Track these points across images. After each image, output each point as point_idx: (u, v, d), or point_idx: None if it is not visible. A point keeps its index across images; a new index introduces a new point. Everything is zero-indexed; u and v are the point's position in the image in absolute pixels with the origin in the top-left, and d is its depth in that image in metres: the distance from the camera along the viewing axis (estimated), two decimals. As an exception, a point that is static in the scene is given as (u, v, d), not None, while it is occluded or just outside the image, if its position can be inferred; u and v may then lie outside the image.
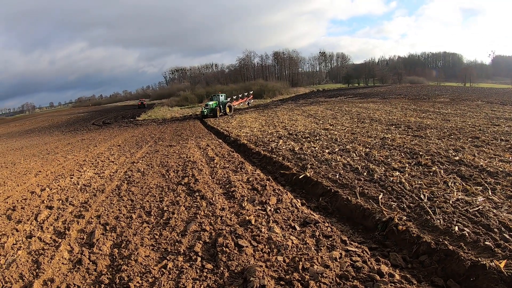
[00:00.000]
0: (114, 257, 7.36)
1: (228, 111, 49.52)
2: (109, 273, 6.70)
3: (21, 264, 7.33)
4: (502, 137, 15.62)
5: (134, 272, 6.52)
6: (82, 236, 8.65)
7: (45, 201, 11.95)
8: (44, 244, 8.29)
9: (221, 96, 52.05)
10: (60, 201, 11.84)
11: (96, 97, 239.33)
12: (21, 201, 12.25)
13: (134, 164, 17.36)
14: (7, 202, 12.22)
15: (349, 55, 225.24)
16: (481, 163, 11.35)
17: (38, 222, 9.91)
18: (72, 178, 15.35)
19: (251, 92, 72.83)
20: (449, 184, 9.66)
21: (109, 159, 19.75)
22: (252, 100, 69.21)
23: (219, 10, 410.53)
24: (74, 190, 13.10)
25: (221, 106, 48.61)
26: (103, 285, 6.26)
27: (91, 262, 7.19)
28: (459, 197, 8.60)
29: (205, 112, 46.67)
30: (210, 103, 47.79)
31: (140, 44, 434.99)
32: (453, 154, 12.95)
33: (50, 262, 7.24)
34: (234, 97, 64.55)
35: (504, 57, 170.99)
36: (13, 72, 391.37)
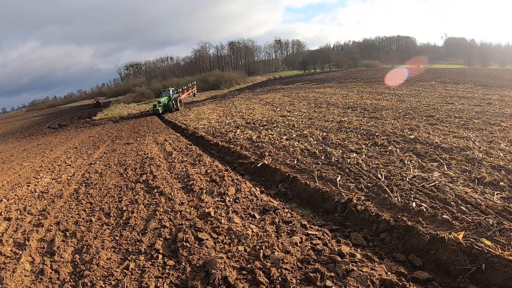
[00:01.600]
0: (76, 263, 7.16)
1: (179, 105, 48.41)
2: (72, 281, 6.53)
3: (-18, 280, 7.10)
4: (456, 115, 16.03)
5: (97, 276, 6.38)
6: (42, 245, 8.38)
7: (3, 213, 11.56)
8: (4, 258, 8.01)
9: (171, 90, 50.74)
10: (18, 211, 11.46)
11: (50, 99, 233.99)
12: (-24, 215, 11.87)
13: (92, 165, 17.02)
14: (-38, 218, 11.83)
15: (305, 42, 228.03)
16: (436, 140, 11.62)
17: (-3, 236, 9.62)
18: (29, 186, 14.93)
19: (194, 83, 71.51)
20: (405, 162, 9.83)
21: (66, 163, 19.30)
22: (196, 91, 68.04)
23: (174, 2, 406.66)
24: (32, 198, 12.72)
25: (173, 101, 47.48)
26: (67, 293, 6.11)
27: (53, 271, 6.99)
28: (416, 174, 8.75)
29: (160, 110, 45.27)
30: (162, 99, 46.36)
31: (95, 40, 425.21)
32: (409, 133, 13.20)
33: (13, 275, 7.00)
34: (180, 90, 63.35)
35: (456, 39, 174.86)
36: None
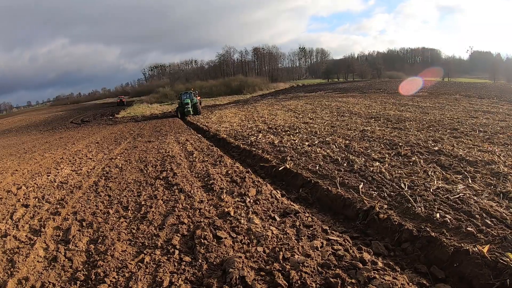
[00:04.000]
0: (90, 253, 7.15)
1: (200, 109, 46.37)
2: (84, 270, 6.50)
3: (-5, 263, 7.13)
4: (480, 129, 15.79)
5: (110, 267, 6.35)
6: (58, 233, 8.43)
7: (21, 200, 11.69)
8: (19, 243, 8.05)
9: (192, 93, 49.40)
10: (36, 199, 11.57)
11: (75, 95, 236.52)
12: (-4, 200, 11.98)
13: (112, 160, 17.13)
14: (-19, 202, 11.95)
15: (329, 50, 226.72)
16: (460, 153, 11.43)
17: (13, 221, 9.65)
18: (49, 175, 15.07)
19: (197, 92, 69.48)
20: (429, 173, 9.67)
21: (87, 156, 19.47)
22: (199, 97, 65.57)
23: (201, 7, 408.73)
24: (51, 188, 12.84)
25: (196, 104, 46.03)
26: (78, 282, 6.07)
27: (66, 259, 6.98)
28: (440, 185, 8.60)
29: (191, 111, 43.82)
30: (188, 100, 45.13)
31: (122, 41, 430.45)
32: (432, 144, 13.01)
33: (25, 260, 7.02)
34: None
35: (482, 53, 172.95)
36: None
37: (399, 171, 10.05)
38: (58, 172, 15.42)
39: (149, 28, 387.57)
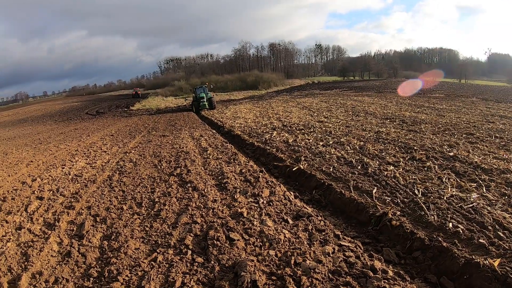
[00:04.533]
0: (104, 249, 7.24)
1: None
2: (98, 266, 6.58)
3: (9, 256, 7.20)
4: (497, 135, 15.61)
5: (124, 265, 6.42)
6: (72, 228, 8.53)
7: (35, 192, 11.82)
8: (33, 236, 8.16)
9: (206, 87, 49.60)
10: (51, 192, 11.70)
11: (90, 86, 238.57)
12: (11, 191, 12.09)
13: (127, 154, 17.24)
14: (-3, 193, 12.10)
15: (346, 48, 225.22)
16: (476, 160, 11.31)
17: (28, 213, 9.77)
18: (63, 168, 15.21)
19: (212, 86, 67.33)
20: (444, 180, 9.62)
21: (101, 149, 19.63)
22: (213, 94, 63.79)
23: (219, 2, 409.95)
24: (65, 181, 12.97)
25: (211, 99, 46.49)
26: (91, 279, 6.15)
27: (80, 255, 7.08)
28: (454, 193, 8.56)
29: (206, 105, 44.19)
30: (203, 94, 45.01)
31: (139, 33, 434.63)
32: (448, 149, 12.91)
33: (39, 254, 7.12)
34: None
35: (500, 55, 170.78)
36: (10, 61, 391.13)
37: (413, 177, 10.01)
38: (73, 165, 15.58)
39: (167, 21, 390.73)
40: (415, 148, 13.35)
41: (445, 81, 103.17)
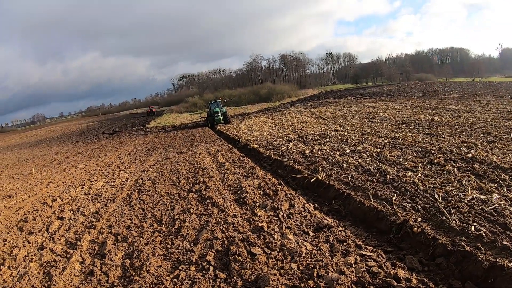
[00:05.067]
0: (126, 267, 7.32)
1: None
2: (121, 285, 6.66)
3: (32, 276, 7.35)
4: (514, 132, 15.41)
5: (146, 283, 6.48)
6: (93, 247, 8.65)
7: (56, 212, 11.98)
8: (55, 256, 8.30)
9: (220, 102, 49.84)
10: (72, 212, 11.86)
11: (106, 106, 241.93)
12: (32, 212, 12.28)
13: (145, 172, 17.37)
14: (18, 214, 12.28)
15: (356, 54, 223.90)
16: (495, 160, 11.20)
17: (49, 233, 9.92)
18: (83, 188, 15.38)
19: (225, 101, 66.07)
20: (463, 182, 9.52)
21: (119, 168, 19.80)
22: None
23: (228, 16, 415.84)
24: (85, 200, 13.13)
25: (225, 113, 46.42)
26: (115, 297, 6.22)
27: (102, 273, 7.17)
28: (474, 195, 8.48)
29: (221, 119, 44.27)
30: (218, 109, 45.17)
31: (151, 52, 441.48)
32: (466, 151, 12.80)
33: (62, 274, 7.24)
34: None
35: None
36: (27, 84, 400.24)
37: (433, 181, 9.93)
38: (92, 184, 15.75)
39: (178, 39, 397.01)
40: (433, 151, 13.24)
41: (458, 80, 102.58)
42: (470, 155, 12.14)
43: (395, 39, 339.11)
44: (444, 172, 10.70)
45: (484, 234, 6.50)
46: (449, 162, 11.61)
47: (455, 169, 10.80)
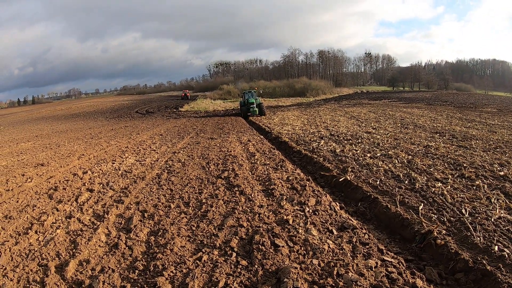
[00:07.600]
0: (150, 244, 7.52)
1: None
2: (144, 260, 6.85)
3: (58, 242, 7.62)
4: (552, 156, 15.10)
5: (169, 261, 6.65)
6: (120, 221, 8.90)
7: (86, 184, 12.30)
8: (82, 226, 8.57)
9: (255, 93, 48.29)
10: (101, 185, 12.18)
11: (141, 86, 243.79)
12: (63, 182, 12.64)
13: (175, 154, 17.63)
14: (49, 182, 12.66)
15: (395, 57, 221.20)
16: (527, 181, 11.01)
17: (78, 204, 10.24)
18: (113, 163, 15.73)
19: (261, 91, 64.40)
20: (492, 200, 9.40)
21: (150, 148, 20.13)
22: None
23: (269, 8, 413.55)
24: (115, 175, 13.44)
25: (261, 104, 44.63)
26: (137, 271, 6.40)
27: (127, 247, 7.39)
28: (502, 215, 8.37)
29: (257, 111, 42.73)
30: (253, 100, 43.94)
31: (190, 37, 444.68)
32: (498, 168, 12.57)
33: (87, 243, 7.50)
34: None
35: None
36: (66, 59, 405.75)
37: (461, 195, 9.83)
38: (123, 161, 16.09)
39: (217, 26, 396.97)
40: (465, 165, 13.06)
41: (498, 94, 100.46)
42: (502, 173, 11.94)
43: (436, 45, 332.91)
44: (474, 187, 10.57)
45: (507, 255, 6.45)
46: (480, 178, 11.46)
47: (485, 186, 10.65)
